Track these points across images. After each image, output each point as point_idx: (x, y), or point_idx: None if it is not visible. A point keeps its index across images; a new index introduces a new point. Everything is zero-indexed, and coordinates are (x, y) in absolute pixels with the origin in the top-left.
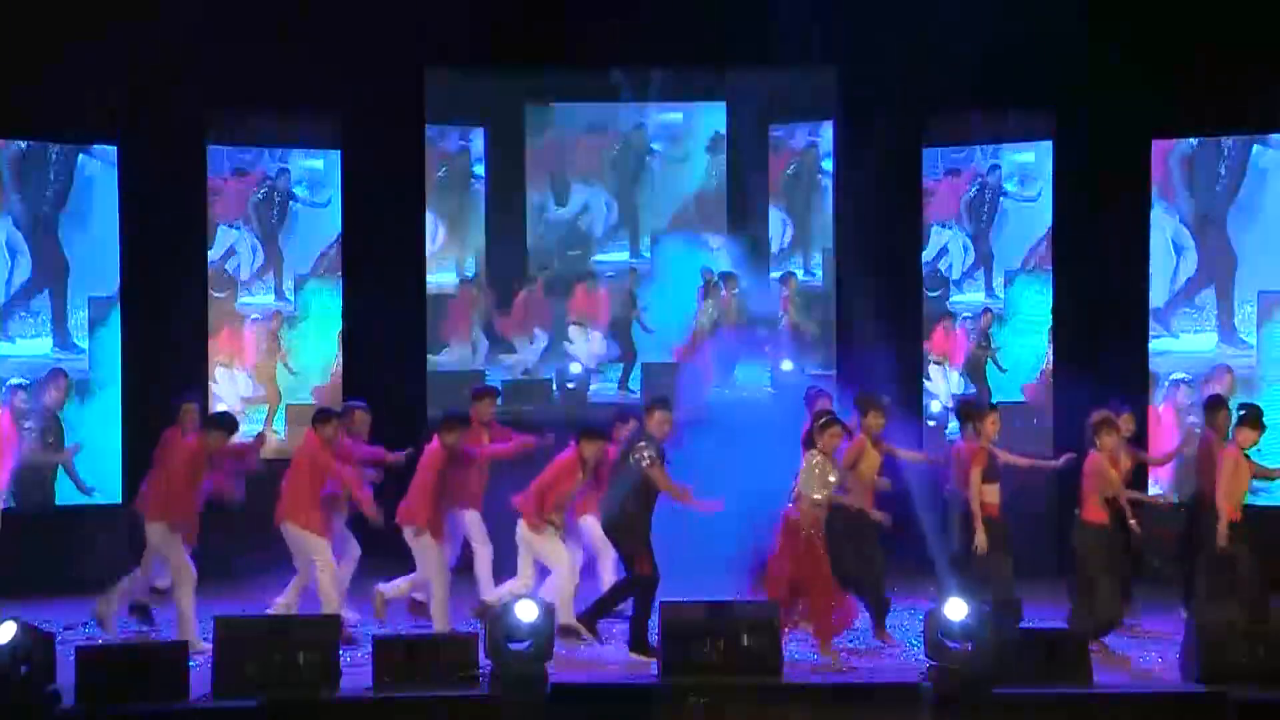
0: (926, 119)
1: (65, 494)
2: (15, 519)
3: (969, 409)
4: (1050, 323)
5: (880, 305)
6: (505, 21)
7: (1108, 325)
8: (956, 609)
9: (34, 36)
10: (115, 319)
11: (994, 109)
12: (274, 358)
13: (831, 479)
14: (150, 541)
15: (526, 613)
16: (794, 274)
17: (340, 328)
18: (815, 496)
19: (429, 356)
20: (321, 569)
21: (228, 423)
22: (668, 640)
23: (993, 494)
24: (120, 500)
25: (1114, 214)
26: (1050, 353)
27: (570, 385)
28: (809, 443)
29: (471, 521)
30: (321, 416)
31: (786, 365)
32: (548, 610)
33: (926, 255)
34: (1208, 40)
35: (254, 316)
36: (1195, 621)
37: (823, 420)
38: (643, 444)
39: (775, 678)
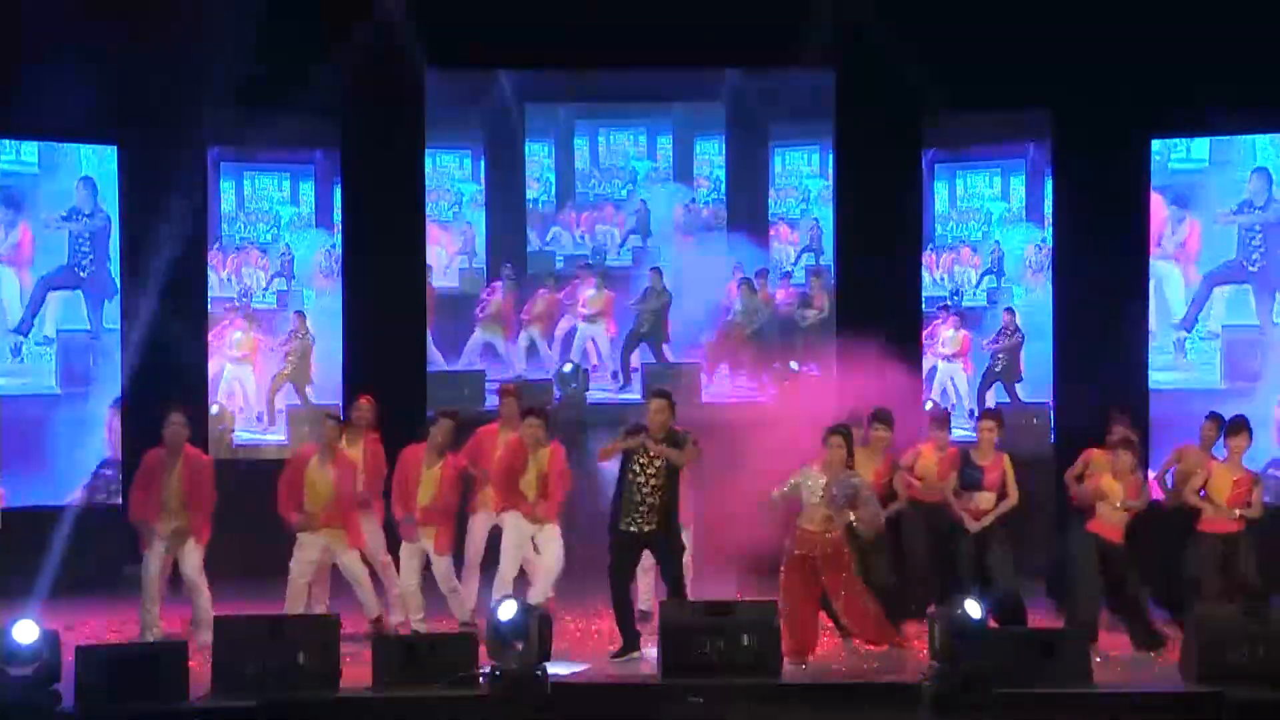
0: (925, 120)
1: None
2: (15, 519)
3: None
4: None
5: (881, 307)
6: (505, 22)
7: (1108, 327)
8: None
9: (35, 36)
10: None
11: (993, 110)
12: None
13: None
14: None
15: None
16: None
17: (340, 328)
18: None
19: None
20: None
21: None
22: (668, 640)
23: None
24: (121, 502)
25: (1114, 214)
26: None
27: (573, 385)
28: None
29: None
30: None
31: (793, 364)
32: (530, 609)
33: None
34: (1208, 40)
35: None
36: (1195, 621)
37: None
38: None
39: (775, 678)
